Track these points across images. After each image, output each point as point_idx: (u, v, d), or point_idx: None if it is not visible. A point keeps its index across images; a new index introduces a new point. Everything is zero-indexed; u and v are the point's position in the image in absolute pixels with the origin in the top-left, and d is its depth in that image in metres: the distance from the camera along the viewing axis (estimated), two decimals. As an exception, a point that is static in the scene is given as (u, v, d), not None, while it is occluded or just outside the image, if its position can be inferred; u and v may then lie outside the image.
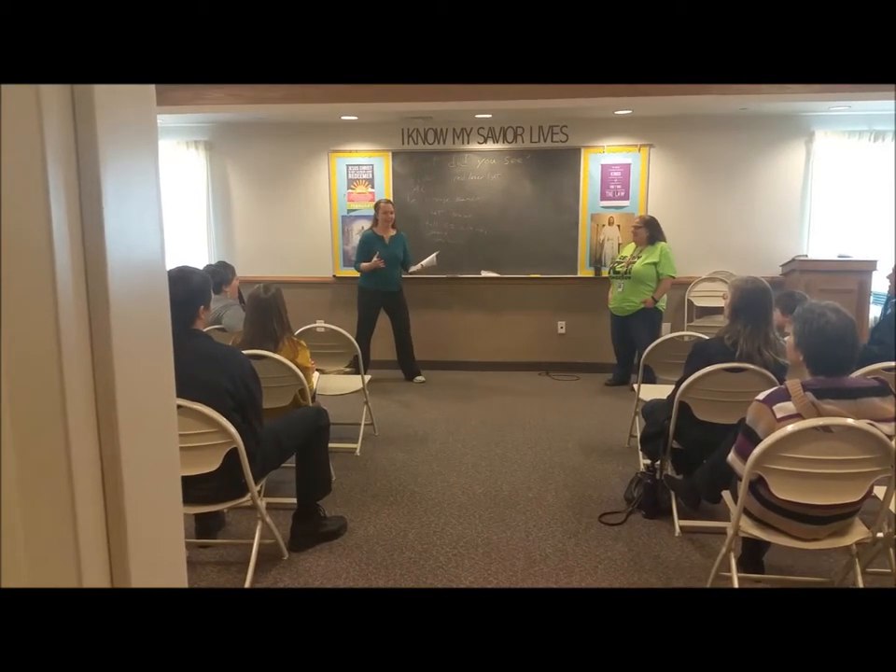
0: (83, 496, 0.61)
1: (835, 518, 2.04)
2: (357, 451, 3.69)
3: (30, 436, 0.59)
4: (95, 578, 0.62)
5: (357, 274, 5.23)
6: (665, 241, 4.89)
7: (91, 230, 0.63)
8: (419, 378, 5.40)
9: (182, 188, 5.73)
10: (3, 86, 0.53)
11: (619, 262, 5.01)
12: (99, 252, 0.63)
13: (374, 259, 4.96)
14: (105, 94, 0.63)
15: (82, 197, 0.62)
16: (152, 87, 0.71)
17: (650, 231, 4.87)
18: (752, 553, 2.38)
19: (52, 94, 0.59)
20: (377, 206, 5.16)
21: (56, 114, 0.60)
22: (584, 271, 5.65)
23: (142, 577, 0.66)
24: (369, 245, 5.09)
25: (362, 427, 3.83)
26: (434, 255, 5.29)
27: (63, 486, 0.60)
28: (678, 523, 2.77)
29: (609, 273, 5.11)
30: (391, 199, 5.49)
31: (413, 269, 5.23)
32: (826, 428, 1.90)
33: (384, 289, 5.14)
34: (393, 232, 5.16)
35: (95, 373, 0.63)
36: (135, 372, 0.67)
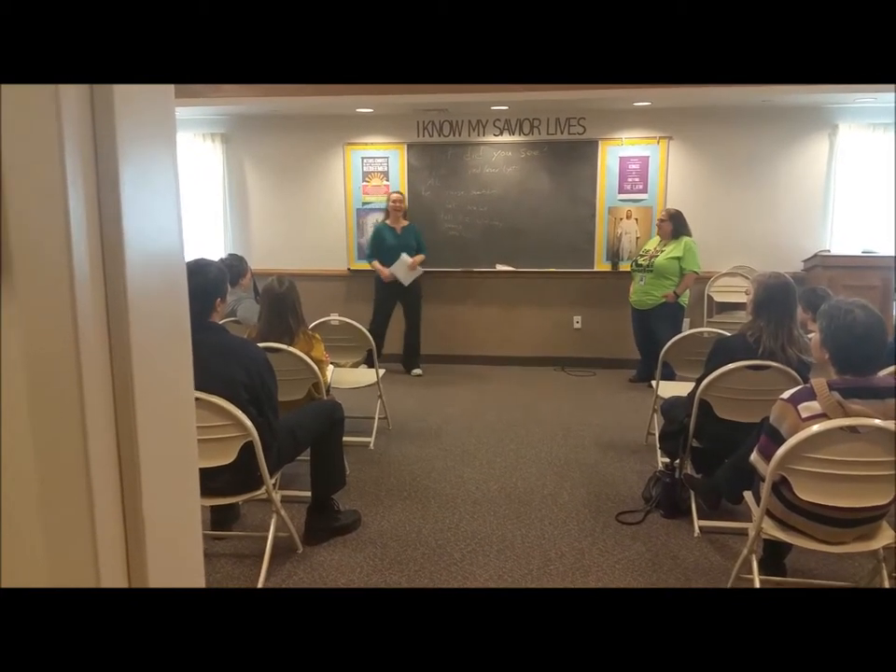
0: (101, 494, 0.59)
1: (861, 521, 1.99)
2: (371, 445, 3.69)
3: (48, 433, 0.57)
4: (113, 578, 0.60)
5: (369, 267, 5.29)
6: (690, 235, 4.81)
7: (109, 221, 0.61)
8: (416, 371, 5.40)
9: (199, 180, 5.75)
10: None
11: (642, 255, 4.95)
12: (117, 244, 0.61)
13: (382, 270, 5.14)
14: (124, 86, 0.61)
15: (100, 188, 0.61)
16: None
17: (674, 225, 4.79)
18: (774, 555, 2.33)
19: (70, 86, 0.57)
20: (388, 198, 5.29)
21: (74, 104, 0.58)
22: (601, 265, 5.59)
23: (159, 577, 0.64)
24: (380, 236, 5.23)
25: (376, 420, 3.82)
26: (403, 258, 5.12)
27: (80, 485, 0.58)
28: (697, 523, 2.73)
29: (632, 265, 5.05)
30: (405, 192, 5.54)
31: (415, 259, 5.21)
32: (853, 429, 1.86)
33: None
34: (405, 223, 5.27)
35: (113, 369, 0.61)
36: (154, 367, 0.66)
